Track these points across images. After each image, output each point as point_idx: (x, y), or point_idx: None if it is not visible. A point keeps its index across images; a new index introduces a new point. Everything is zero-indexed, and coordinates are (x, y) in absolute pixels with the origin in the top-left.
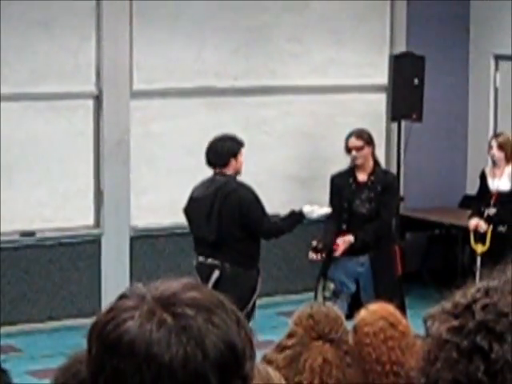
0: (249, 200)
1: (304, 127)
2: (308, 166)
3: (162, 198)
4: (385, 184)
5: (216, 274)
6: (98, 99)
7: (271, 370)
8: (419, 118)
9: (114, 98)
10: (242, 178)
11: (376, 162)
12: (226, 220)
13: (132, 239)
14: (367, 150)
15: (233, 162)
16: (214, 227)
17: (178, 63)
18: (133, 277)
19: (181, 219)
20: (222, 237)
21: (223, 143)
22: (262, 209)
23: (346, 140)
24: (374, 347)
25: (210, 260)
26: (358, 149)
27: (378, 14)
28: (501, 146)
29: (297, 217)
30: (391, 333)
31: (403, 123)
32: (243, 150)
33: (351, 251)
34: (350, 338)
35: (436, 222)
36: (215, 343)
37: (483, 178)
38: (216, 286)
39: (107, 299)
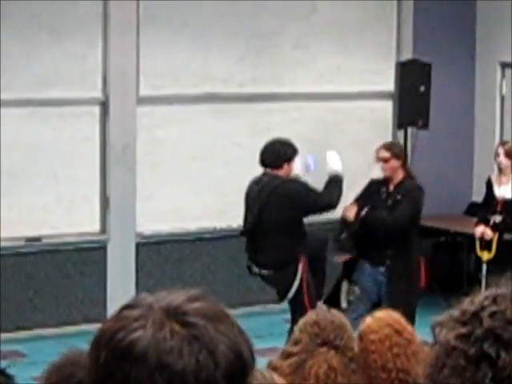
0: (300, 183)
1: (310, 134)
2: (314, 174)
3: (167, 204)
4: (404, 192)
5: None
6: (104, 105)
7: (276, 377)
8: (425, 126)
9: (120, 103)
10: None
11: (408, 175)
12: (270, 210)
13: (138, 245)
14: (394, 163)
15: (286, 166)
16: (254, 218)
17: (185, 69)
18: (138, 283)
19: (186, 225)
20: (262, 228)
21: (280, 146)
22: (312, 189)
23: (376, 150)
24: (379, 354)
25: (263, 271)
26: (385, 160)
27: (385, 21)
28: (508, 154)
29: (333, 178)
30: (397, 340)
31: (409, 130)
32: (297, 158)
33: (372, 261)
34: (356, 345)
35: (442, 229)
36: (225, 352)
37: (489, 185)
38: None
39: (113, 305)
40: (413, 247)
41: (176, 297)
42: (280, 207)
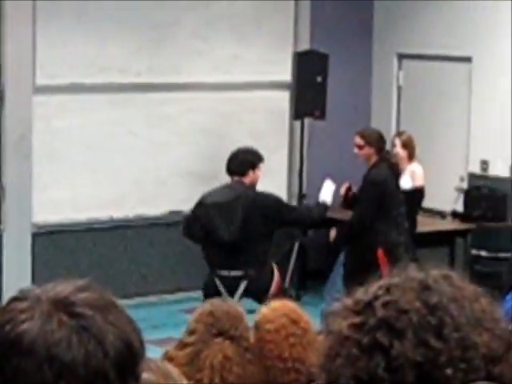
0: (274, 199)
1: (207, 124)
2: (211, 163)
3: (64, 193)
4: (363, 183)
5: (243, 284)
6: (0, 94)
7: (170, 367)
8: (322, 116)
9: (16, 93)
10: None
11: (378, 162)
12: (253, 222)
13: (34, 235)
14: (368, 150)
15: (250, 173)
16: (237, 229)
17: (81, 59)
18: (35, 274)
19: (83, 215)
20: (246, 238)
21: (244, 154)
22: (285, 204)
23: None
24: (275, 344)
25: (233, 272)
26: (359, 147)
27: (282, 11)
28: (404, 145)
29: (319, 204)
30: (293, 330)
31: (306, 121)
32: (262, 165)
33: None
34: (252, 335)
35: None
36: (114, 342)
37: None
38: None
39: (8, 296)
40: (370, 237)
41: (64, 288)
42: (261, 221)
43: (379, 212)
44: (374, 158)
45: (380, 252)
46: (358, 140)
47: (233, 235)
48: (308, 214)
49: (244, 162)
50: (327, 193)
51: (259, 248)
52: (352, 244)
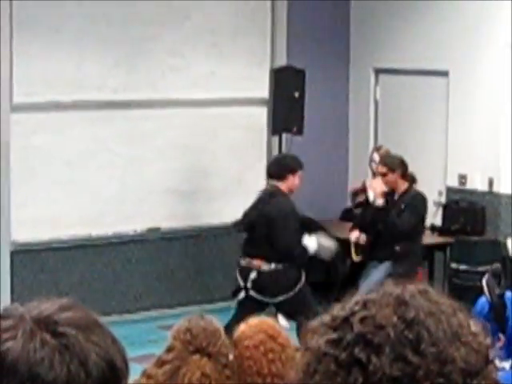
0: (283, 210)
1: (185, 140)
2: (189, 180)
3: (43, 211)
4: (408, 202)
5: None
6: None
7: None
8: (300, 132)
9: None
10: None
11: (412, 183)
12: (262, 220)
13: (12, 253)
14: (392, 177)
15: (290, 178)
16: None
17: (58, 76)
18: (14, 292)
19: (62, 233)
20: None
21: (285, 159)
22: (292, 226)
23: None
24: (254, 360)
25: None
26: (383, 175)
27: (259, 27)
28: (383, 159)
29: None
30: (271, 345)
31: (284, 136)
32: (300, 173)
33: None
34: (231, 352)
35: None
36: (97, 362)
37: (364, 190)
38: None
39: None
40: (414, 256)
41: (47, 306)
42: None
43: (418, 231)
44: (402, 182)
45: (420, 273)
46: (381, 168)
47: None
48: (294, 249)
49: (284, 166)
50: (311, 243)
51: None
52: (397, 261)
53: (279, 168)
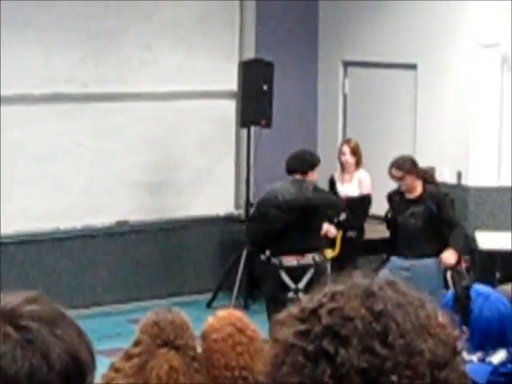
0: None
1: (154, 133)
2: (158, 173)
3: (11, 205)
4: (437, 201)
5: None
6: None
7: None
8: (268, 125)
9: None
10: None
11: (425, 182)
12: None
13: None
14: (409, 179)
15: (310, 173)
16: None
17: (27, 70)
18: None
19: (30, 226)
20: None
21: (305, 155)
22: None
23: (389, 168)
24: (222, 353)
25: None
26: (399, 179)
27: (227, 20)
28: (353, 152)
29: None
30: (239, 338)
31: (252, 129)
32: (317, 169)
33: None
34: (199, 345)
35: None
36: (60, 355)
37: (332, 183)
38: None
39: None
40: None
41: (12, 299)
42: None
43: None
44: (416, 182)
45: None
46: (395, 172)
47: None
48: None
49: (304, 162)
50: None
51: None
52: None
53: (300, 163)
